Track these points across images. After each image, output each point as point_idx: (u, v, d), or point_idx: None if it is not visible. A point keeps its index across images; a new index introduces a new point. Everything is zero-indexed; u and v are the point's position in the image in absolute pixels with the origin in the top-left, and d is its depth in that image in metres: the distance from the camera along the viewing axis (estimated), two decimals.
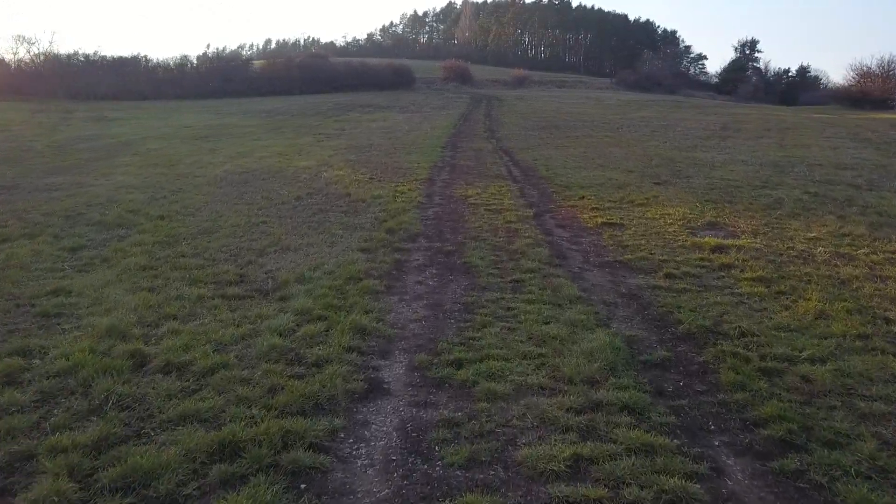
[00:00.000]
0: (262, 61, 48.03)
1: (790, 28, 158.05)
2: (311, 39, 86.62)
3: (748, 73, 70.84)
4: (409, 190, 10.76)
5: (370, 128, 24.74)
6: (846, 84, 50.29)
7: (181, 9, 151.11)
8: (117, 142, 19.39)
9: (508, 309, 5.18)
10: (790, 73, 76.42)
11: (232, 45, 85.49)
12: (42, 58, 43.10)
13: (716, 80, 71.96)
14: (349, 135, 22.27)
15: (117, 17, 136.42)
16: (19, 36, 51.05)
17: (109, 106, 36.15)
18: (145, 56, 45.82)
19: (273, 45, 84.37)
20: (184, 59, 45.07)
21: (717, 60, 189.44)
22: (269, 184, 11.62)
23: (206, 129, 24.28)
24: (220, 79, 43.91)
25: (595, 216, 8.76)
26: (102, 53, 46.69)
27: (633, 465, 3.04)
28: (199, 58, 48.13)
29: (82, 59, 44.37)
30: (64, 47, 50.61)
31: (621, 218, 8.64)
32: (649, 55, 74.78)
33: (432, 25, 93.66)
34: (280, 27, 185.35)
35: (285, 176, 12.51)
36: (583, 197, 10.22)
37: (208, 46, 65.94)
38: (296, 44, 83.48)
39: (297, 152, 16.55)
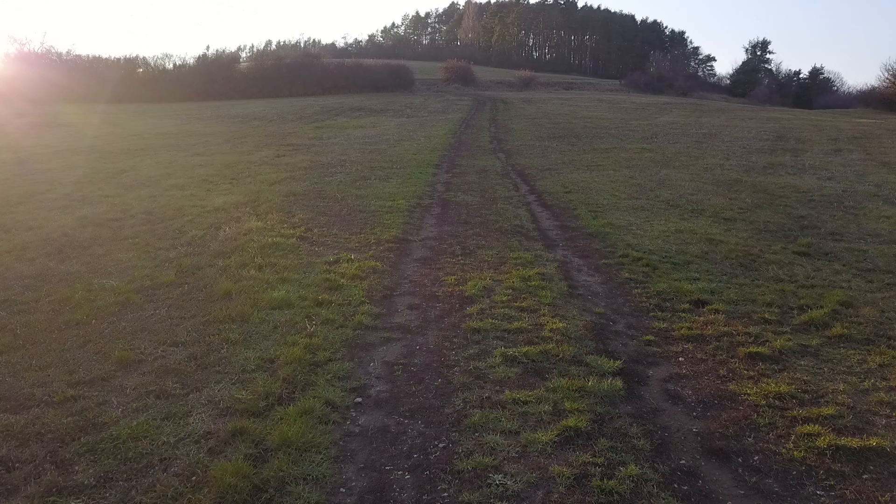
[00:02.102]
0: (246, 63, 42.31)
1: (796, 28, 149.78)
2: (311, 41, 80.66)
3: (760, 74, 64.96)
4: (354, 274, 5.37)
5: (352, 137, 19.37)
6: (881, 86, 44.43)
7: (181, 9, 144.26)
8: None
9: None
10: (801, 75, 70.76)
11: (232, 47, 79.80)
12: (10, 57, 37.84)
13: (727, 81, 66.12)
14: (322, 147, 16.91)
15: (118, 18, 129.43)
16: (10, 36, 45.66)
17: (72, 109, 30.81)
18: (137, 56, 40.41)
19: (273, 47, 78.69)
20: (164, 59, 39.59)
21: (724, 62, 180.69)
22: (115, 254, 6.26)
23: (150, 140, 18.94)
24: (203, 80, 38.54)
25: (783, 395, 3.34)
26: (77, 52, 41.18)
27: None
28: (198, 59, 42.86)
29: (55, 57, 39.01)
30: (60, 47, 45.23)
31: (854, 411, 3.24)
32: (657, 56, 68.95)
33: (435, 26, 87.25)
34: (281, 29, 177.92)
35: (168, 231, 7.17)
36: (699, 301, 4.78)
37: (208, 48, 60.18)
38: (296, 45, 77.69)
39: (231, 178, 11.18)
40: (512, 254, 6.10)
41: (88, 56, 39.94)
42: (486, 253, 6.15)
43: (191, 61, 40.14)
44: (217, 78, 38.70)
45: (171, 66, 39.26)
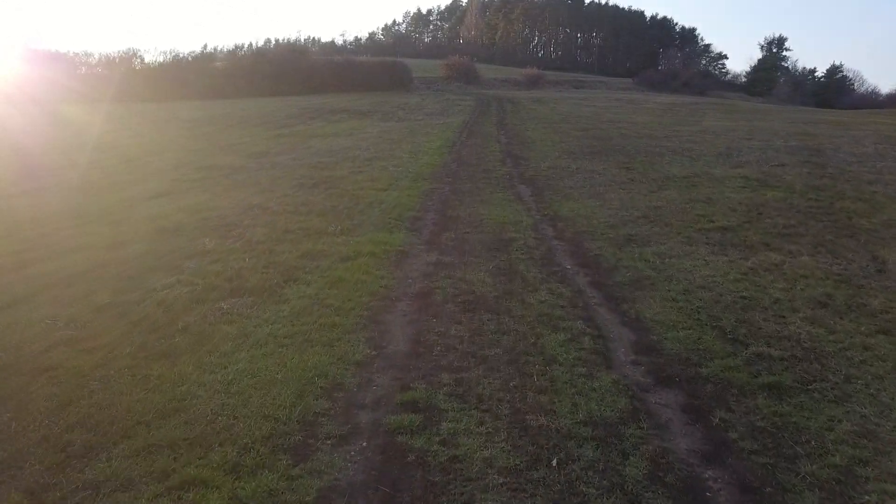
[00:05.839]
0: (221, 62, 35.38)
1: (804, 25, 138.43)
2: (311, 39, 73.55)
3: (778, 73, 57.62)
4: None
5: (309, 153, 12.74)
6: None
7: (181, 9, 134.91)
8: None
9: None
10: (816, 73, 63.44)
11: (230, 45, 72.79)
12: None
13: (742, 79, 58.82)
14: (248, 174, 10.31)
15: (118, 18, 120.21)
16: None
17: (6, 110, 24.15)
18: (114, 52, 33.86)
19: (273, 45, 71.59)
20: (129, 54, 32.84)
21: (735, 59, 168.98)
22: None
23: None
24: (175, 78, 31.89)
25: None
26: (36, 47, 34.50)
27: None
28: (194, 57, 36.33)
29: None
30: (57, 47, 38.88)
31: None
32: (668, 54, 61.64)
33: (437, 24, 79.52)
34: (282, 28, 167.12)
35: None
36: None
37: (205, 46, 53.39)
38: (295, 42, 70.64)
39: None
40: None
41: (47, 51, 33.22)
42: None
43: (160, 58, 33.43)
44: (189, 76, 32.01)
45: (138, 63, 32.50)
